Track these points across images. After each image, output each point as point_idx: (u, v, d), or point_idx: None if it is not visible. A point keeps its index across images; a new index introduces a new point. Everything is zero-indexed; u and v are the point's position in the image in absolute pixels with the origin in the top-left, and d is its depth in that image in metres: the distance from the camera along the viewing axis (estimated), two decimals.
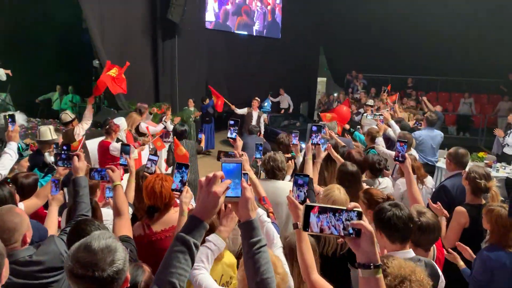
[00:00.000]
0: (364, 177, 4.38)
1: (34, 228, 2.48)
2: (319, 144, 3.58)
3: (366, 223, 1.33)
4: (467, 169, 3.74)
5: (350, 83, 17.16)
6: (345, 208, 1.33)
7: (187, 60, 11.85)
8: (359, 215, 1.33)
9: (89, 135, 8.44)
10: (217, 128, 12.34)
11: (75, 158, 2.76)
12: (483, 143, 14.69)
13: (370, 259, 1.34)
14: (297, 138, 4.80)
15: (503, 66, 15.65)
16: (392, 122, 6.32)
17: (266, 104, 13.54)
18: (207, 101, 11.56)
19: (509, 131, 8.50)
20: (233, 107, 10.46)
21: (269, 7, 15.86)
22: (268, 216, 2.69)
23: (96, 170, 3.07)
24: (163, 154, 9.16)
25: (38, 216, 3.32)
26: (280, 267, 1.98)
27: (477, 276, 2.91)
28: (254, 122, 10.12)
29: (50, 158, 4.51)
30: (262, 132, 10.40)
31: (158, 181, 2.71)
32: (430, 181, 4.64)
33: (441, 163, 8.03)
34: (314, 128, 3.56)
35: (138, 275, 1.94)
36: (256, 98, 10.45)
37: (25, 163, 4.48)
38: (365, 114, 8.17)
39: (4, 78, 9.61)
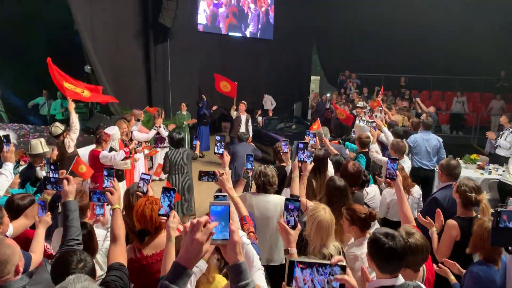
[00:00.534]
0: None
1: None
2: (306, 162, 3.59)
3: (349, 277, 1.32)
4: (458, 180, 3.74)
5: (343, 83, 17.18)
6: (329, 263, 1.33)
7: (179, 63, 11.81)
8: (343, 269, 1.32)
9: (82, 142, 8.41)
10: (211, 130, 12.34)
11: (65, 181, 2.74)
12: (476, 142, 14.80)
13: None
14: (287, 146, 4.82)
15: (495, 64, 15.73)
16: (385, 129, 6.34)
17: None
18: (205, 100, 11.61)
19: (501, 132, 8.54)
20: (233, 107, 10.46)
21: (263, 9, 15.82)
22: (249, 236, 2.68)
23: (95, 193, 3.06)
24: (158, 159, 9.17)
25: (26, 236, 3.31)
26: None
27: None
28: (242, 126, 10.12)
29: (41, 172, 4.49)
30: (250, 135, 10.41)
31: (148, 205, 2.70)
32: (416, 191, 4.67)
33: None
34: (301, 145, 3.57)
35: None
36: (243, 101, 10.45)
37: (17, 180, 4.45)
38: (357, 121, 8.17)
39: None
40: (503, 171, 7.71)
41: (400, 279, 2.15)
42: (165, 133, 9.24)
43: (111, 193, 2.76)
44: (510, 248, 2.74)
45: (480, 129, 15.04)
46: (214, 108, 11.66)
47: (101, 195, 3.01)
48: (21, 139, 8.57)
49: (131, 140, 7.54)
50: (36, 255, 2.80)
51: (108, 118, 9.46)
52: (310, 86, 20.02)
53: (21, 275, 2.29)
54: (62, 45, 11.56)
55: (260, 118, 11.92)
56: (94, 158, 6.00)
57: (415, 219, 4.47)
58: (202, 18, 13.43)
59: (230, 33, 14.69)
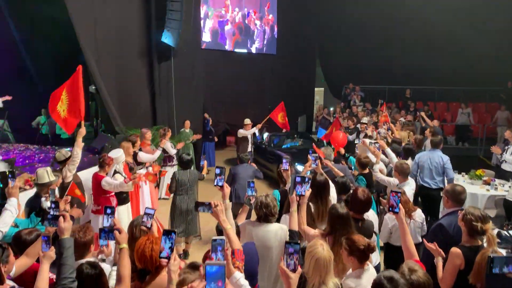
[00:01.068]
0: None
1: None
2: (303, 195, 3.58)
3: None
4: (464, 208, 3.69)
5: (348, 96, 17.19)
6: None
7: (183, 81, 11.88)
8: None
9: (86, 163, 8.46)
10: (216, 145, 12.39)
11: (61, 218, 2.76)
12: (483, 153, 14.68)
13: None
14: (288, 164, 4.82)
15: (501, 74, 15.68)
16: (389, 150, 6.30)
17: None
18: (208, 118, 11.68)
19: (506, 147, 8.49)
20: (258, 126, 10.63)
21: (268, 25, 15.92)
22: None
23: (104, 231, 3.07)
24: (166, 179, 9.20)
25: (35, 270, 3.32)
26: None
27: None
28: (249, 144, 10.18)
29: (46, 203, 4.50)
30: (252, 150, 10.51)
31: (148, 244, 2.71)
32: (419, 215, 4.61)
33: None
34: (298, 179, 3.56)
35: None
36: (247, 120, 10.58)
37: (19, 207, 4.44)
38: (360, 138, 8.15)
39: (0, 105, 9.64)
40: (510, 187, 7.68)
41: None
42: (172, 151, 9.28)
43: (120, 232, 2.78)
44: None
45: (486, 140, 14.93)
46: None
47: (109, 233, 3.03)
48: (27, 161, 8.62)
49: (136, 161, 7.59)
50: None
51: (113, 138, 9.52)
52: (314, 98, 20.05)
53: None
54: (67, 64, 11.66)
55: (266, 134, 11.88)
56: (97, 181, 6.04)
57: (421, 243, 4.46)
58: (207, 36, 13.54)
59: (236, 50, 14.77)
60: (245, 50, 15.12)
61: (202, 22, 13.28)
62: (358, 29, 17.17)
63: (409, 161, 7.08)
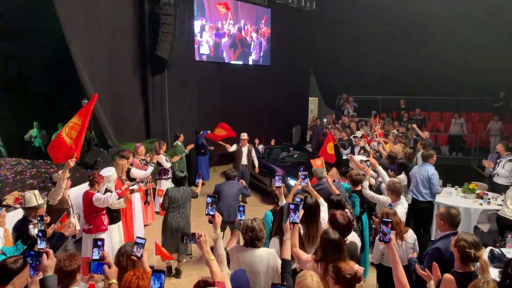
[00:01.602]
0: None
1: None
2: (297, 223, 3.55)
3: None
4: (458, 234, 3.66)
5: (341, 106, 17.24)
6: None
7: (177, 94, 11.87)
8: None
9: (79, 178, 8.41)
10: (210, 159, 12.33)
11: (44, 255, 2.72)
12: (476, 163, 14.73)
13: None
14: (280, 180, 4.80)
15: (494, 84, 15.79)
16: (379, 168, 6.27)
17: None
18: (201, 132, 11.62)
19: (498, 160, 8.52)
20: (227, 146, 10.66)
21: (264, 37, 15.98)
22: None
23: (93, 264, 3.03)
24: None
25: None
26: None
27: None
28: (244, 158, 10.16)
29: (34, 230, 4.44)
30: (256, 166, 10.45)
31: (134, 280, 2.67)
32: (410, 236, 4.58)
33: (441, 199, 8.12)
34: (292, 206, 3.53)
35: None
36: (244, 133, 10.56)
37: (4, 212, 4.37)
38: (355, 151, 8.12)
39: None
40: (502, 200, 7.69)
41: None
42: (167, 165, 9.26)
43: (109, 266, 2.74)
44: None
45: (480, 150, 15.01)
46: (212, 148, 11.67)
47: (99, 266, 2.98)
48: (18, 177, 8.54)
49: (129, 177, 7.56)
50: None
51: (106, 152, 9.45)
52: (308, 108, 20.10)
53: None
54: (60, 78, 11.64)
55: (261, 147, 11.85)
56: (87, 200, 6.00)
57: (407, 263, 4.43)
58: (205, 49, 13.57)
59: (233, 62, 14.79)
60: (241, 62, 15.12)
61: (199, 35, 13.28)
62: (352, 39, 17.26)
63: (402, 176, 7.10)
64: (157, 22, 10.80)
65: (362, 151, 9.46)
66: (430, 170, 7.09)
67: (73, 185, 7.27)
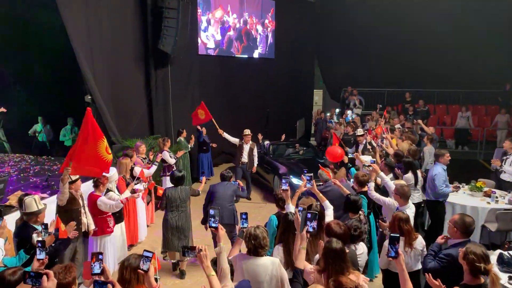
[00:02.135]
0: None
1: None
2: (315, 231, 3.47)
3: None
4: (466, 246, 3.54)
5: (346, 99, 17.08)
6: None
7: (181, 88, 11.74)
8: None
9: (83, 176, 8.33)
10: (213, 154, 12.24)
11: (44, 277, 2.66)
12: (482, 157, 14.63)
13: None
14: (287, 184, 4.71)
15: (500, 76, 15.60)
16: (382, 175, 6.08)
17: None
18: (203, 129, 11.51)
19: (505, 157, 8.40)
20: (220, 131, 10.37)
21: (269, 29, 15.81)
22: None
23: (97, 283, 2.97)
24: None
25: None
26: None
27: None
28: (245, 155, 10.03)
29: (38, 239, 4.37)
30: (255, 165, 10.30)
31: None
32: (419, 243, 4.48)
33: None
34: (309, 215, 3.44)
35: None
36: (246, 131, 10.38)
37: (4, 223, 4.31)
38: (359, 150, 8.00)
39: None
40: (510, 199, 7.60)
41: None
42: (172, 161, 9.21)
43: (113, 286, 2.71)
44: None
45: (486, 144, 14.90)
46: (214, 145, 11.51)
47: (102, 285, 2.92)
48: (22, 174, 8.50)
49: (132, 176, 7.51)
50: None
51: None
52: (313, 100, 19.93)
53: None
54: (62, 75, 11.57)
55: (266, 143, 11.61)
56: (92, 202, 5.97)
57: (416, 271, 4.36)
58: (211, 43, 13.46)
59: (237, 55, 14.65)
60: (246, 56, 14.97)
61: (205, 28, 13.14)
62: (357, 31, 17.04)
63: (409, 175, 7.00)
64: (159, 16, 10.63)
65: (369, 147, 9.32)
66: (435, 169, 7.02)
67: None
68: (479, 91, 16.44)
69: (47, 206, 6.14)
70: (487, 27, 15.04)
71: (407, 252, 4.35)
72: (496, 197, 7.61)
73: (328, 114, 16.18)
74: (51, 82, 11.98)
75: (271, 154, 11.34)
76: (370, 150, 9.04)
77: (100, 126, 10.13)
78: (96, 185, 6.01)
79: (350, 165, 7.14)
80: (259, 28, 15.31)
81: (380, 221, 5.21)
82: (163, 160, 9.00)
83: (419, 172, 7.26)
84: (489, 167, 13.25)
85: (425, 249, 4.58)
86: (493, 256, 5.28)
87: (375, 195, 5.83)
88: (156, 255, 3.93)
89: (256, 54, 15.33)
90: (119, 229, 6.68)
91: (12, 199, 6.61)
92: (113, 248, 6.24)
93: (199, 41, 12.97)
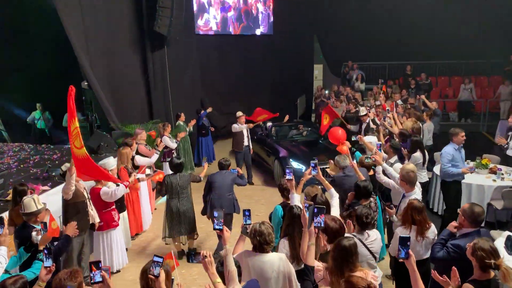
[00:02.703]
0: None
1: None
2: (323, 227, 3.37)
3: None
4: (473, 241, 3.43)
5: (347, 74, 16.80)
6: None
7: (178, 70, 11.56)
8: None
9: None
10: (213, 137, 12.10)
11: None
12: (485, 129, 14.49)
13: None
14: (291, 173, 4.61)
15: (503, 46, 15.28)
16: (386, 166, 5.91)
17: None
18: (210, 108, 11.37)
19: (510, 133, 8.29)
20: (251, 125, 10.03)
21: (270, 7, 15.47)
22: None
23: None
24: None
25: None
26: None
27: None
28: (245, 138, 9.83)
29: (37, 238, 4.30)
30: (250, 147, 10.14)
31: None
32: (432, 231, 4.38)
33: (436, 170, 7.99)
34: (316, 210, 3.34)
35: None
36: (239, 113, 10.08)
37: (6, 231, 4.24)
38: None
39: None
40: None
41: None
42: (173, 145, 9.11)
43: None
44: None
45: (489, 115, 14.73)
46: (212, 129, 11.25)
47: None
48: (21, 165, 8.41)
49: (133, 165, 7.42)
50: None
51: (109, 136, 9.28)
52: (313, 76, 19.61)
53: None
54: (58, 61, 11.37)
55: (268, 124, 11.22)
56: (95, 195, 5.89)
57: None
58: (213, 25, 13.20)
59: (236, 34, 14.39)
60: (245, 34, 14.69)
61: (205, 9, 12.87)
62: (356, 3, 16.64)
63: (418, 154, 6.86)
64: None
65: (372, 126, 9.17)
66: (445, 147, 6.85)
67: None
68: (482, 61, 16.14)
69: (50, 198, 6.18)
70: None
71: (418, 241, 4.26)
72: (502, 174, 7.53)
73: (327, 92, 15.81)
74: (48, 69, 11.82)
75: (274, 136, 11.03)
76: (374, 130, 8.89)
77: (98, 113, 10.17)
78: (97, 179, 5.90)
79: (354, 149, 6.97)
80: (260, 6, 14.98)
81: (387, 207, 5.13)
82: (164, 146, 8.89)
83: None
84: (492, 139, 13.17)
85: (436, 237, 4.50)
86: (501, 238, 5.22)
87: (384, 179, 5.73)
88: (173, 254, 3.89)
89: (258, 33, 15.05)
90: (121, 219, 6.64)
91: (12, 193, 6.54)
92: (121, 242, 6.20)
93: (199, 21, 12.70)
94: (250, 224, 3.76)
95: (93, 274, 2.97)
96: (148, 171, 7.60)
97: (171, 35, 10.79)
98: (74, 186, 5.33)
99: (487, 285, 3.18)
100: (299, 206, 4.20)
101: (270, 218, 5.17)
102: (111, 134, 9.56)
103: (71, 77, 11.26)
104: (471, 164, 8.05)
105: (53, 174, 7.41)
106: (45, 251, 3.28)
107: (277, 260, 3.62)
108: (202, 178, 6.79)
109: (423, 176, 7.05)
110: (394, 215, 5.03)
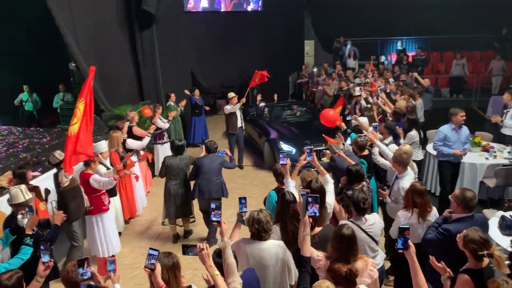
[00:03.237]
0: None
1: None
2: (317, 216, 3.34)
3: None
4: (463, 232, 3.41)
5: (339, 50, 16.61)
6: None
7: (168, 49, 11.33)
8: None
9: None
10: (207, 114, 11.94)
11: None
12: (477, 104, 14.50)
13: None
14: (286, 158, 4.57)
15: (496, 20, 15.17)
16: (379, 143, 5.86)
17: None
18: (196, 91, 11.17)
19: (505, 111, 8.26)
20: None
21: None
22: None
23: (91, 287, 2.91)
24: (160, 157, 8.90)
25: None
26: None
27: None
28: (239, 120, 9.69)
29: (23, 221, 4.24)
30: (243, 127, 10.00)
31: None
32: (433, 215, 4.34)
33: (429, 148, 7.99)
34: (310, 199, 3.29)
35: None
36: (231, 94, 9.77)
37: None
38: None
39: None
40: (509, 152, 7.52)
41: None
42: (165, 126, 8.99)
43: None
44: None
45: (481, 91, 14.71)
46: (207, 108, 10.94)
47: None
48: (10, 150, 8.27)
49: (125, 149, 7.32)
50: None
51: (99, 119, 9.11)
52: (304, 51, 19.37)
53: None
54: (44, 42, 11.08)
55: (261, 105, 10.93)
56: (84, 181, 5.78)
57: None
58: (204, 2, 12.92)
59: (225, 10, 14.11)
60: (235, 10, 14.41)
61: None
62: None
63: (414, 132, 6.83)
64: None
65: (366, 105, 9.11)
66: (442, 126, 6.77)
67: None
68: (474, 36, 16.03)
69: (41, 184, 6.09)
70: None
71: (420, 223, 4.26)
72: (494, 152, 7.53)
73: (315, 70, 15.50)
74: (34, 50, 11.53)
75: (267, 117, 10.83)
76: (369, 108, 8.83)
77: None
78: (87, 163, 5.77)
79: (350, 131, 6.91)
80: None
81: (379, 189, 5.12)
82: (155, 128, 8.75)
83: None
84: (483, 115, 13.22)
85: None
86: (495, 218, 5.26)
87: (381, 160, 5.71)
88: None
89: (249, 9, 14.79)
90: (113, 204, 6.58)
91: (3, 180, 6.45)
92: (113, 225, 6.14)
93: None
94: (246, 211, 3.72)
95: (84, 271, 2.93)
96: (135, 158, 7.47)
97: (160, 13, 10.52)
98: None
99: (482, 273, 3.17)
100: (291, 192, 4.16)
101: (264, 203, 5.14)
102: (101, 116, 9.39)
103: (57, 59, 11.11)
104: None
105: (43, 158, 7.28)
106: (42, 247, 3.23)
107: (275, 247, 3.60)
108: None
109: (419, 155, 7.05)
110: (387, 197, 5.03)
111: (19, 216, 4.27)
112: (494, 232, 4.94)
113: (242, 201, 3.76)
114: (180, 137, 10.24)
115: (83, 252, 5.79)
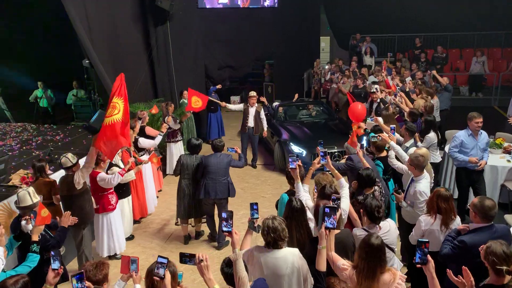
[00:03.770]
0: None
1: None
2: (334, 228, 3.19)
3: None
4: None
5: (355, 47, 16.31)
6: None
7: (182, 46, 11.23)
8: None
9: (86, 145, 8.10)
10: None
11: None
12: (497, 103, 14.13)
13: None
14: (295, 162, 4.42)
15: None
16: (393, 144, 5.70)
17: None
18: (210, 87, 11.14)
19: None
20: (223, 104, 9.95)
21: None
22: None
23: None
24: (174, 156, 8.84)
25: None
26: None
27: None
28: (250, 120, 9.54)
29: (27, 226, 4.18)
30: (265, 129, 9.75)
31: None
32: (456, 224, 4.15)
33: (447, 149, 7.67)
34: (327, 210, 3.15)
35: None
36: (252, 93, 9.64)
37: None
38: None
39: None
40: None
41: None
42: (176, 126, 8.92)
43: None
44: None
45: (502, 89, 14.33)
46: (223, 104, 10.73)
47: None
48: (24, 148, 8.27)
49: (137, 148, 7.27)
50: None
51: None
52: (320, 48, 19.11)
53: None
54: (58, 38, 11.09)
55: (275, 104, 10.74)
56: (92, 179, 5.75)
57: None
58: None
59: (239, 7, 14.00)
60: (249, 7, 14.28)
61: None
62: None
63: (432, 134, 6.63)
64: None
65: (381, 105, 8.90)
66: (459, 132, 6.51)
67: (81, 155, 6.96)
68: (495, 32, 15.58)
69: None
70: None
71: (442, 231, 4.08)
72: None
73: (327, 67, 15.22)
74: (48, 46, 11.53)
75: (282, 116, 10.59)
76: (384, 109, 8.61)
77: (100, 91, 9.95)
78: (96, 162, 5.73)
79: (369, 131, 6.73)
80: None
81: (395, 193, 4.95)
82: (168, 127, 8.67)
83: None
84: (504, 114, 12.81)
85: None
86: None
87: (397, 164, 5.54)
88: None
89: (265, 5, 14.66)
90: (126, 204, 6.54)
91: (15, 178, 6.42)
92: (120, 225, 6.08)
93: None
94: (257, 218, 3.59)
95: (81, 286, 2.85)
96: (145, 157, 7.41)
97: (174, 9, 10.44)
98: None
99: None
100: (299, 199, 4.02)
101: (276, 206, 5.02)
102: None
103: (72, 56, 11.11)
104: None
105: (55, 156, 7.25)
106: (52, 253, 3.17)
107: (290, 255, 3.44)
108: None
109: (437, 157, 6.84)
110: (402, 201, 4.87)
111: (23, 222, 4.19)
112: None
113: (254, 207, 3.62)
114: (193, 134, 10.18)
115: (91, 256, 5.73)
